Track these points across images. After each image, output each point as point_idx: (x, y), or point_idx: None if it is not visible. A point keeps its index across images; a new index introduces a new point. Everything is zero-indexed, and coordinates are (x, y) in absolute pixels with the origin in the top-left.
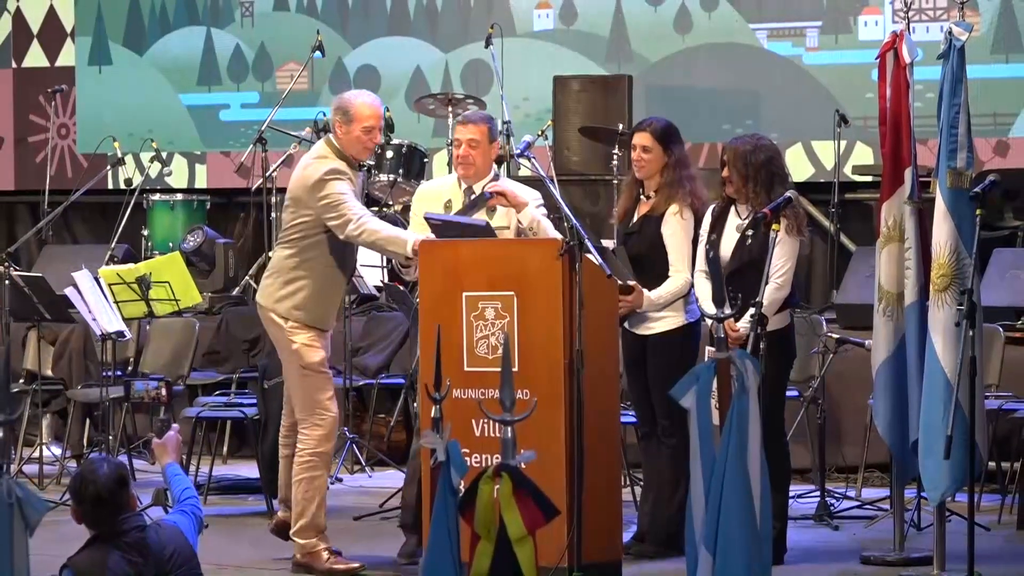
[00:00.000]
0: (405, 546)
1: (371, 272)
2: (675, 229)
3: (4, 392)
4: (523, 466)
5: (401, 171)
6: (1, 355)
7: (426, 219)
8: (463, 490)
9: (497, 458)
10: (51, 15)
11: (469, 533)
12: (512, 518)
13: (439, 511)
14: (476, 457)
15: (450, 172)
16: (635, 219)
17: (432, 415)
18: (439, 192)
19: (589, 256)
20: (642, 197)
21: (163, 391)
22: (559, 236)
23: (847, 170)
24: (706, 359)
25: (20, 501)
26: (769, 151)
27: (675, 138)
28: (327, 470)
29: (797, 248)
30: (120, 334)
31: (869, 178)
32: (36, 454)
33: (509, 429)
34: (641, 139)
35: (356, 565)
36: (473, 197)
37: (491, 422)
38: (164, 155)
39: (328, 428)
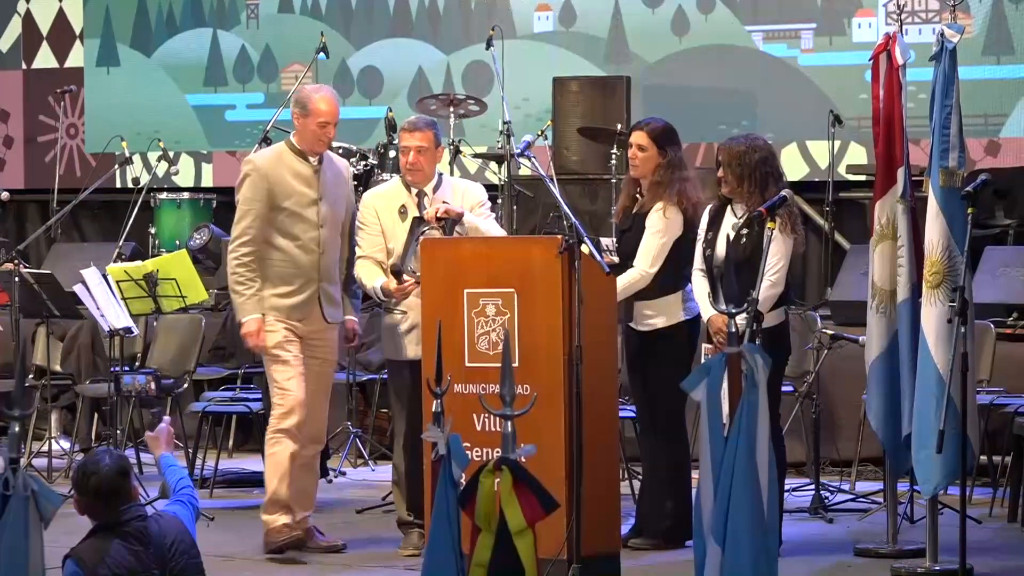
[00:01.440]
0: (407, 539)
1: None
2: (652, 225)
3: (20, 388)
4: (523, 460)
5: None
6: (17, 354)
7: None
8: (464, 483)
9: (498, 452)
10: (60, 17)
11: (470, 525)
12: (512, 511)
13: (440, 504)
14: (477, 451)
15: (451, 171)
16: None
17: (433, 409)
18: (390, 198)
19: (587, 253)
20: (638, 196)
21: (152, 384)
22: (501, 233)
23: (841, 169)
24: (703, 356)
25: (35, 494)
26: (763, 151)
27: (671, 139)
28: (289, 446)
29: (791, 246)
30: (128, 330)
31: (863, 177)
32: (45, 448)
33: (509, 424)
34: (637, 138)
35: (340, 544)
36: (419, 227)
37: (492, 416)
38: (171, 154)
39: (288, 406)
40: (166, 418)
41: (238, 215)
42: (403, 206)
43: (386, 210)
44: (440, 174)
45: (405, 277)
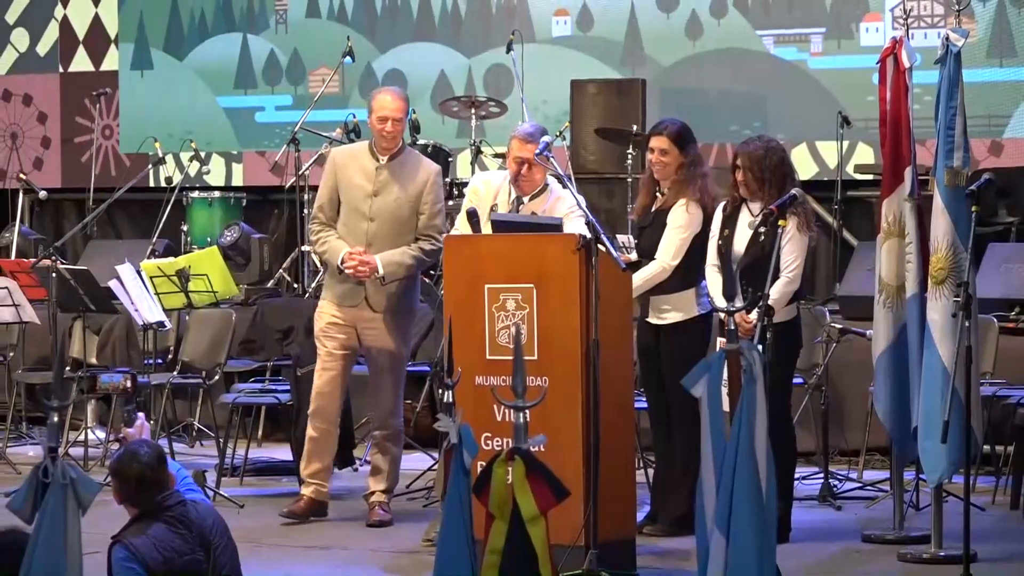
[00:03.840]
0: (432, 527)
1: None
2: (675, 219)
3: (58, 380)
4: (541, 448)
5: None
6: (55, 347)
7: (493, 221)
8: (479, 471)
9: None
10: (96, 23)
11: (484, 513)
12: (525, 499)
13: (452, 491)
14: (498, 440)
15: (472, 171)
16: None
17: (445, 400)
18: (490, 190)
19: (604, 249)
20: (658, 194)
21: (128, 383)
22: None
23: (849, 169)
24: (717, 349)
25: (74, 482)
26: (780, 152)
27: (690, 138)
28: (310, 430)
29: (807, 244)
30: (161, 324)
31: (870, 177)
32: (81, 438)
33: (521, 415)
34: (659, 143)
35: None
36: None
37: None
38: (202, 155)
39: (313, 394)
40: (139, 414)
41: (316, 200)
42: (495, 205)
43: (483, 199)
44: (547, 184)
45: None
